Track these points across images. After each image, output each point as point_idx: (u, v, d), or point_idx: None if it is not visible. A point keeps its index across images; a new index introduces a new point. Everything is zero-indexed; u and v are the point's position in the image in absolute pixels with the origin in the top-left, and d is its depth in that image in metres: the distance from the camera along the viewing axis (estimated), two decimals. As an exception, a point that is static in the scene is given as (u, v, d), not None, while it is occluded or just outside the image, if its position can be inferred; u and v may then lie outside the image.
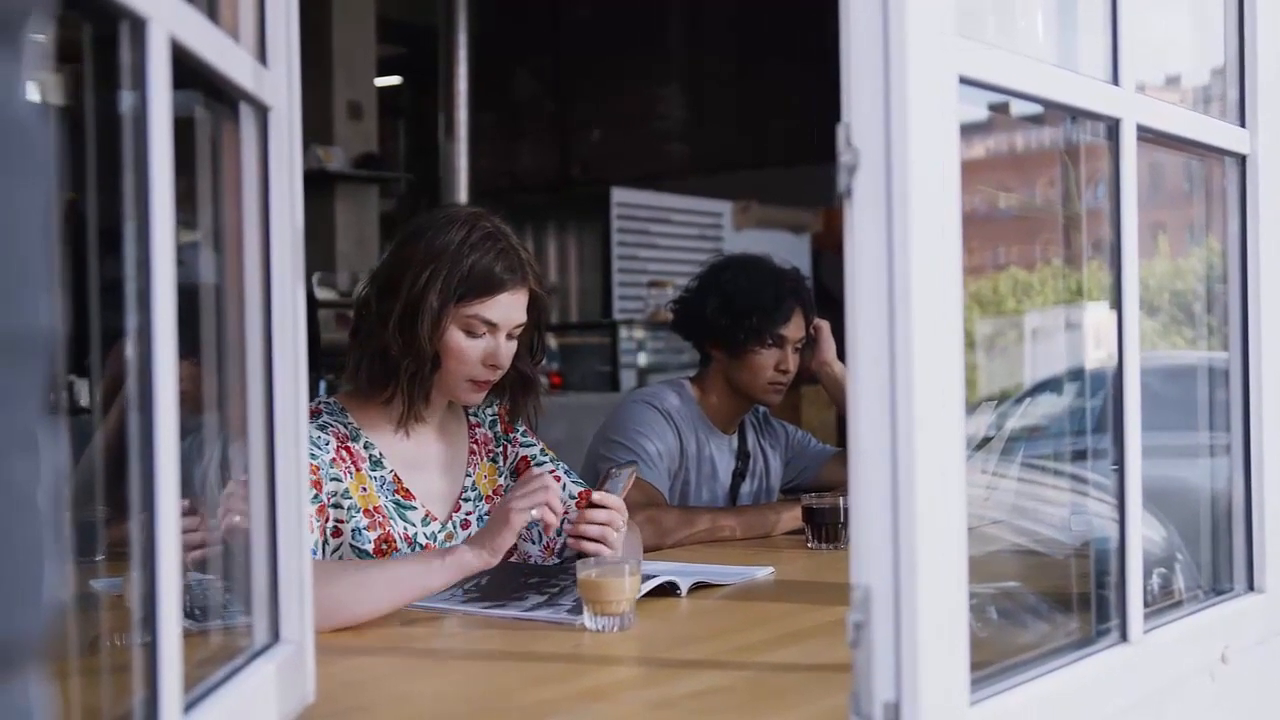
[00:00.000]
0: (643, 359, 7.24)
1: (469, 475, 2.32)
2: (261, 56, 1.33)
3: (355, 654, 1.74)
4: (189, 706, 1.07)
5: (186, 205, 1.10)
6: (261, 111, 1.33)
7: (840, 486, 2.92)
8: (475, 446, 2.35)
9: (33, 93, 0.54)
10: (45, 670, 0.55)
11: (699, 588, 2.14)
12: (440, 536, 2.23)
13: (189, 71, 1.09)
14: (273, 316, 1.35)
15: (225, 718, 1.14)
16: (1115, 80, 1.50)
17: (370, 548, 2.12)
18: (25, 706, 0.52)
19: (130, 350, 0.99)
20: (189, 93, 1.16)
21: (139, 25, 0.98)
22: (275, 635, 1.35)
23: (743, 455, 3.08)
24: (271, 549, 1.35)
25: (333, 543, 2.10)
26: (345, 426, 2.19)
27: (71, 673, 1.06)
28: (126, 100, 1.00)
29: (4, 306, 0.50)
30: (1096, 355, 1.84)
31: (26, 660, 0.52)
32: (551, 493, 1.98)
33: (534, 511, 1.95)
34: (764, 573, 2.30)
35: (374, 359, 2.17)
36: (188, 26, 1.07)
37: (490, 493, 2.33)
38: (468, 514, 2.30)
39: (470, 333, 2.17)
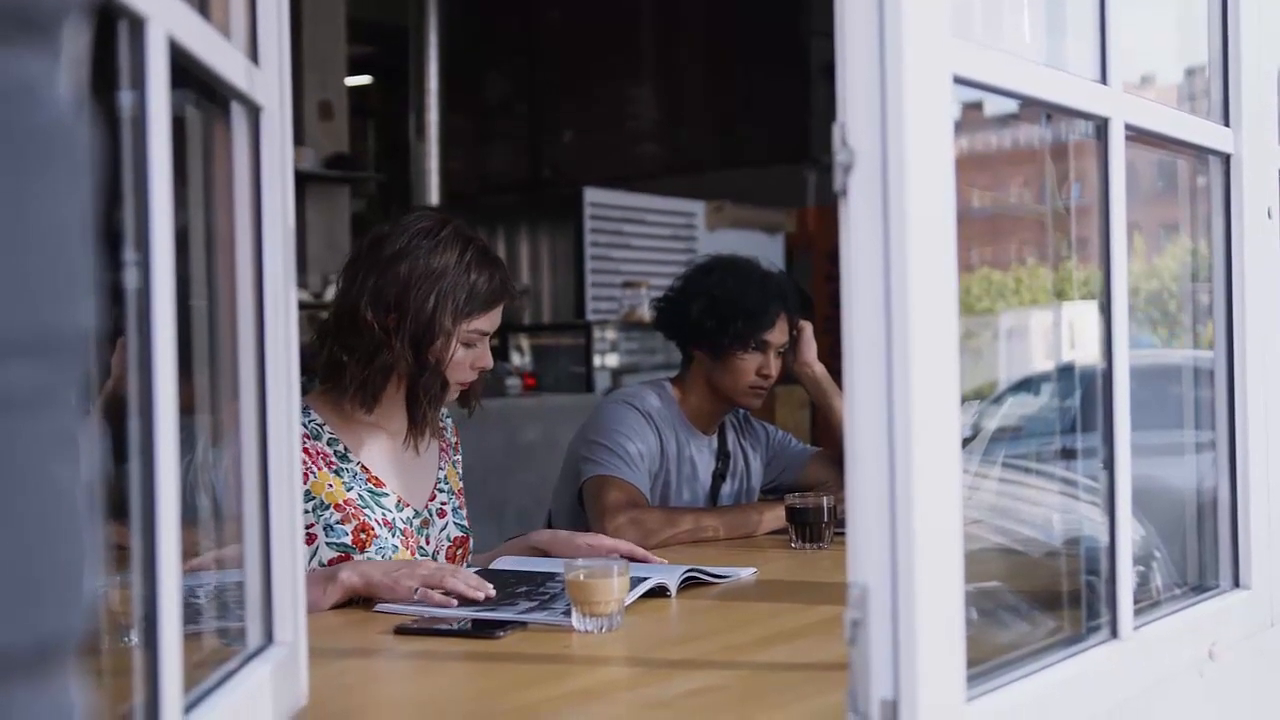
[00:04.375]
0: (617, 360, 7.22)
1: (441, 469, 2.36)
2: (253, 56, 1.32)
3: (348, 656, 1.73)
4: (187, 709, 1.06)
5: (177, 204, 1.09)
6: (254, 111, 1.32)
7: (821, 486, 2.93)
8: (444, 444, 2.40)
9: (71, 91, 0.53)
10: (82, 669, 0.55)
11: (689, 586, 2.14)
12: (416, 523, 2.25)
13: (181, 70, 1.08)
14: (265, 317, 1.34)
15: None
16: (1104, 79, 1.51)
17: (349, 539, 2.13)
18: (68, 704, 0.52)
19: (129, 351, 0.98)
20: (181, 91, 1.15)
21: (138, 24, 0.97)
22: (269, 637, 1.34)
23: (723, 456, 3.08)
24: (265, 552, 1.34)
25: (305, 551, 2.09)
26: (306, 425, 2.19)
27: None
28: (124, 99, 0.99)
29: (48, 307, 0.50)
30: (1074, 354, 1.85)
31: (69, 659, 0.52)
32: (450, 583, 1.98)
33: (416, 594, 1.96)
34: (748, 573, 2.31)
35: (378, 375, 2.18)
36: (185, 26, 1.06)
37: (457, 490, 2.39)
38: (442, 504, 2.33)
39: (468, 345, 2.23)
